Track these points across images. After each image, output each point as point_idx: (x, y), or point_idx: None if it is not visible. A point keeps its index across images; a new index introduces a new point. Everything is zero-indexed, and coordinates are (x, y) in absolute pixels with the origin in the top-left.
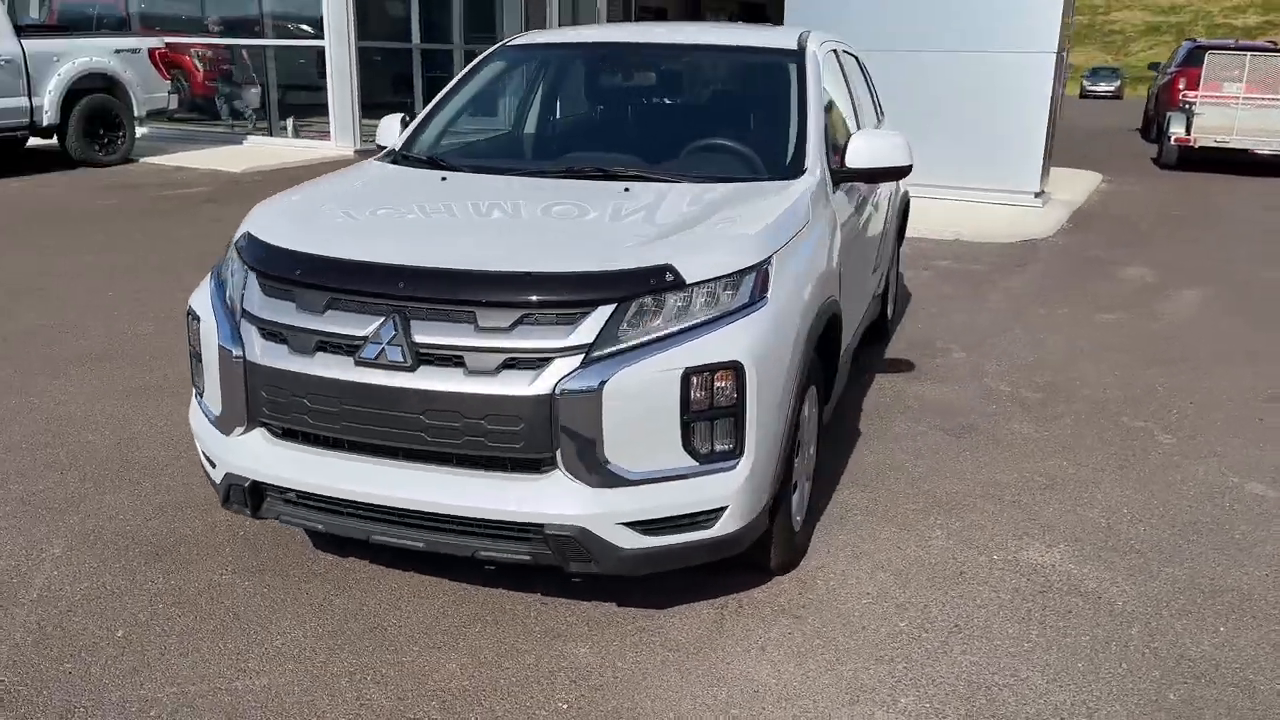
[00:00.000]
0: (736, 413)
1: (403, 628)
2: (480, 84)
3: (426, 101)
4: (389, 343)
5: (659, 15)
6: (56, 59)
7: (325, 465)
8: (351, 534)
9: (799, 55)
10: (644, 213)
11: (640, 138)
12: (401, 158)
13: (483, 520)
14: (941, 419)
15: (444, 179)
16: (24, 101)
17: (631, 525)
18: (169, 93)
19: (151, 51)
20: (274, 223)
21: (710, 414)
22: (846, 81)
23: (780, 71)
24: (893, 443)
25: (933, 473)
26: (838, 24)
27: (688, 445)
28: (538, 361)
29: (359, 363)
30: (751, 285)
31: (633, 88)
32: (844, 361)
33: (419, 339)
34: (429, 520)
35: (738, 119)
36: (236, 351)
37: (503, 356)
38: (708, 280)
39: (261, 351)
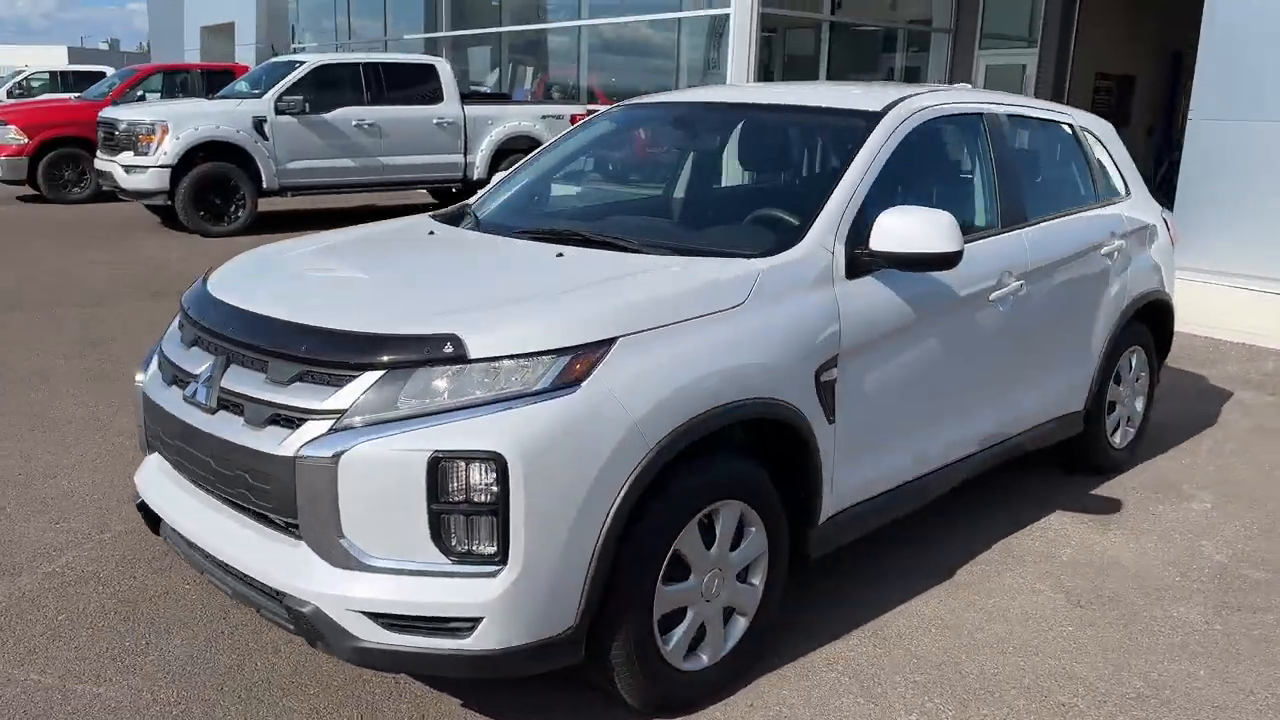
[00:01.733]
0: (498, 513)
1: (255, 673)
2: (574, 145)
3: None
4: (203, 383)
5: (1123, 83)
6: (490, 122)
7: (175, 496)
8: (194, 568)
9: (870, 120)
10: (520, 278)
11: (649, 202)
12: (459, 213)
13: (254, 579)
14: (1084, 580)
15: (431, 233)
16: (460, 158)
17: (372, 616)
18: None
19: (573, 117)
20: (230, 264)
21: (466, 509)
22: (990, 153)
23: (841, 138)
24: (983, 597)
25: (993, 645)
26: (1260, 98)
27: (437, 539)
28: (294, 421)
29: (185, 399)
30: (559, 368)
31: (689, 150)
32: (866, 490)
33: (226, 384)
34: (230, 568)
35: (771, 188)
36: (140, 377)
37: (270, 411)
38: (498, 357)
39: (149, 379)
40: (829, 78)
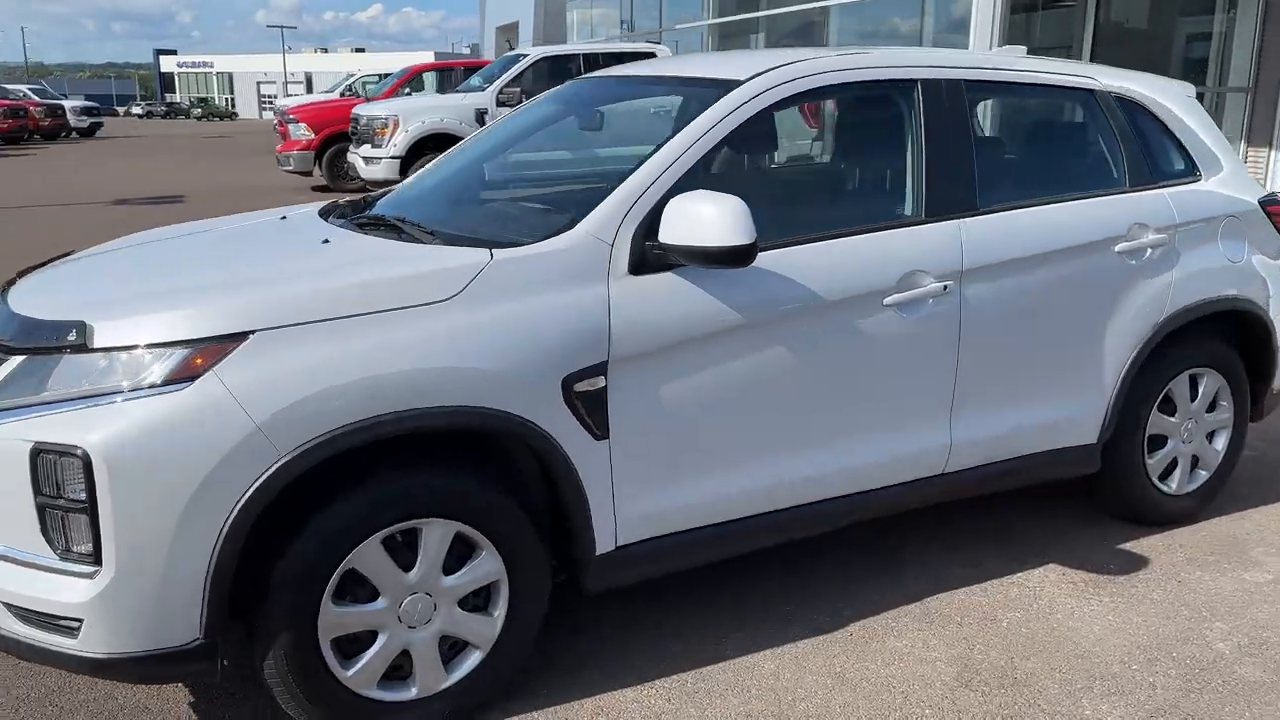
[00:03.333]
0: (90, 512)
1: None
2: (504, 129)
3: None
4: None
5: None
6: None
7: None
8: None
9: (723, 90)
10: (239, 267)
11: (473, 190)
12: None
13: None
14: (1003, 655)
15: (283, 218)
16: None
17: (7, 605)
18: (811, 140)
19: (802, 105)
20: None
21: (65, 505)
22: (920, 129)
23: (686, 111)
24: (853, 659)
25: (809, 719)
26: None
27: (45, 532)
28: None
29: None
30: (176, 363)
31: (572, 131)
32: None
33: None
34: None
35: (600, 170)
36: None
37: None
38: (119, 347)
39: None
40: (1095, 59)
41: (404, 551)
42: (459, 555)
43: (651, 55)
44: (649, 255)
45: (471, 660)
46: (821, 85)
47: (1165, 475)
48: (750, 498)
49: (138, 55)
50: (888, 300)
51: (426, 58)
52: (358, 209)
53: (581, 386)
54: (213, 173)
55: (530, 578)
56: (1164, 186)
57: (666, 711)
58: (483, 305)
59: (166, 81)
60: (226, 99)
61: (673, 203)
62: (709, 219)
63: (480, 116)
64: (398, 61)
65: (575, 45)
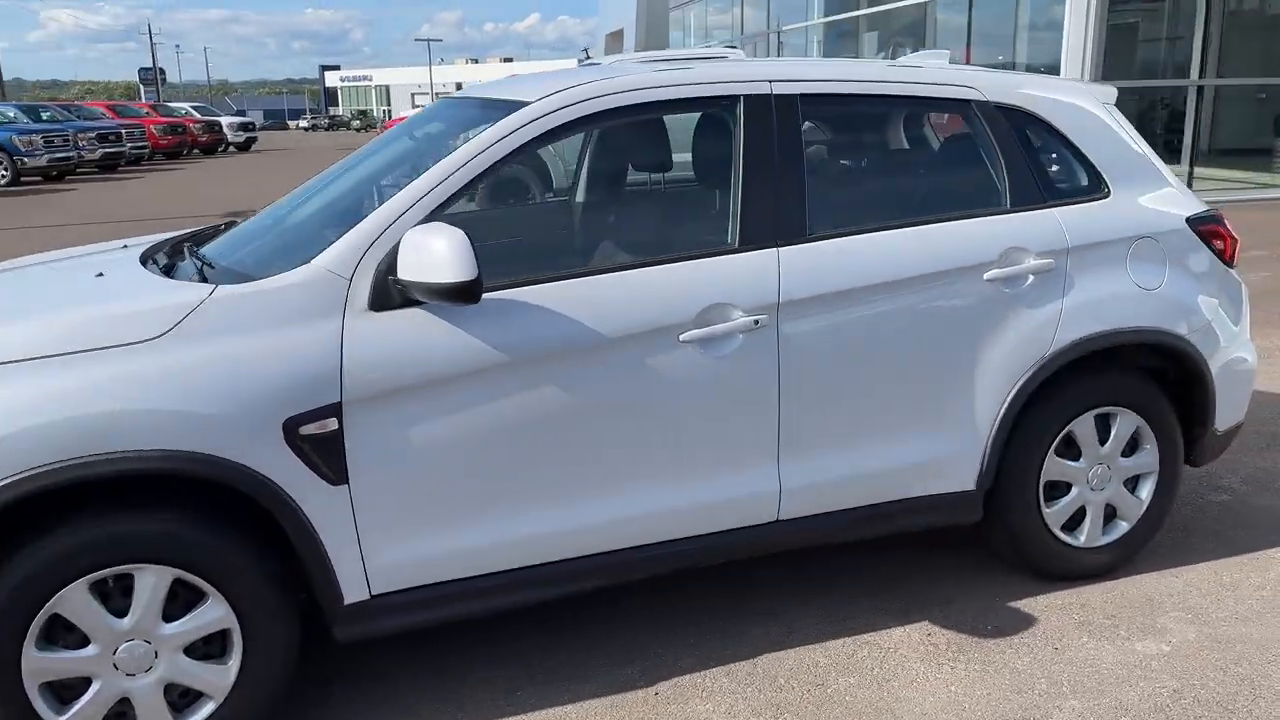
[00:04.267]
0: None
1: None
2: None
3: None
4: None
5: None
6: None
7: None
8: None
9: (503, 110)
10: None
11: (295, 221)
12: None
13: None
14: None
15: (124, 246)
16: None
17: None
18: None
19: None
20: None
21: None
22: (739, 151)
23: (472, 135)
24: None
25: None
26: None
27: None
28: None
29: None
30: None
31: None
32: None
33: None
34: None
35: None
36: None
37: None
38: None
39: None
40: (1209, 47)
41: (119, 597)
42: (187, 601)
43: (723, 59)
44: (392, 291)
45: (205, 710)
46: (620, 105)
47: (1073, 526)
48: (528, 547)
49: (313, 71)
50: (685, 336)
51: (570, 64)
52: (185, 241)
53: (309, 429)
54: None
55: (268, 625)
56: (1056, 205)
57: None
58: (193, 344)
59: (331, 95)
60: (384, 110)
61: (407, 236)
62: (439, 253)
63: None
64: (543, 69)
65: (650, 54)
